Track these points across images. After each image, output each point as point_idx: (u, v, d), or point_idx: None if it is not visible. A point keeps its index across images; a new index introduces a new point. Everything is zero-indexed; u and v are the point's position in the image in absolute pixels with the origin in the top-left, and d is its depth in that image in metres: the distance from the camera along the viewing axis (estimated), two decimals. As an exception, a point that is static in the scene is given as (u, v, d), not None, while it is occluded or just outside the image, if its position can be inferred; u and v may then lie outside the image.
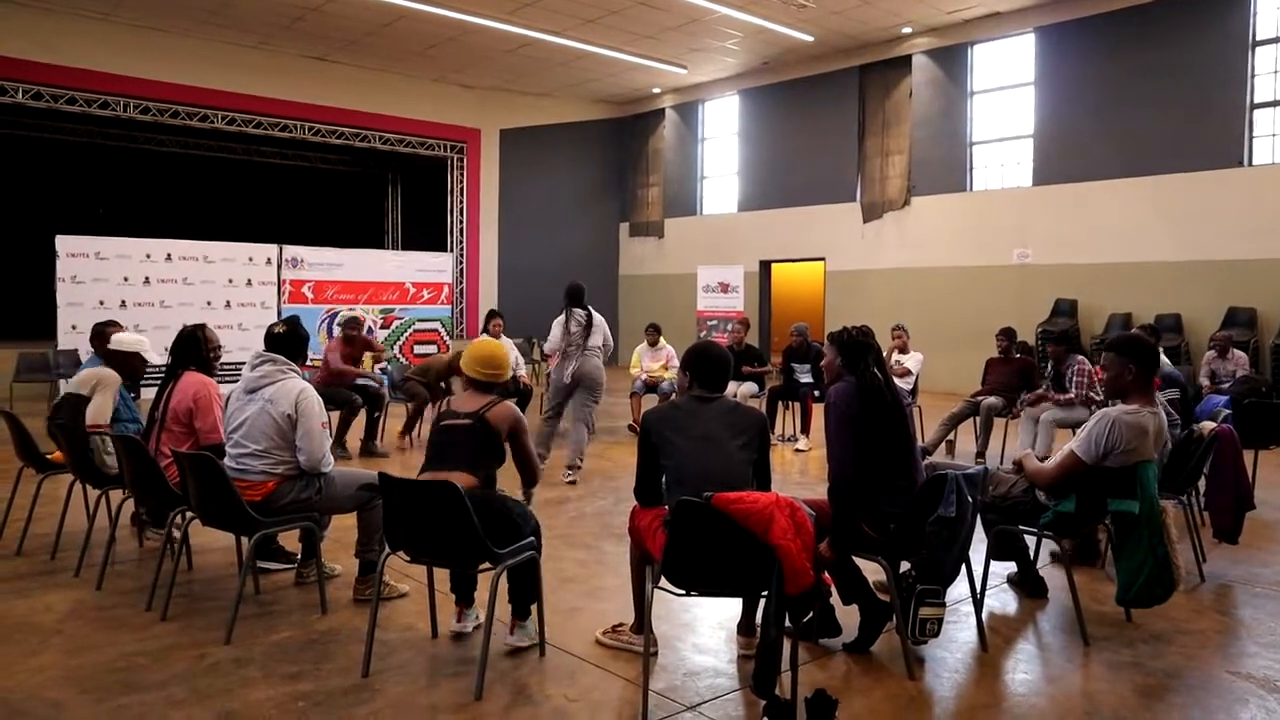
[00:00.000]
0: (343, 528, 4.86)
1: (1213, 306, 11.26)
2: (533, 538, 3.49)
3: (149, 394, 5.11)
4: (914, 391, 8.89)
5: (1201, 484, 5.10)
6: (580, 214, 18.88)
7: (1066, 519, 3.80)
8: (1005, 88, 13.77)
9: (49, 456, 5.05)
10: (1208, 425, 4.85)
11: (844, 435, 3.43)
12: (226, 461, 3.95)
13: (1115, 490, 3.68)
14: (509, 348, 9.25)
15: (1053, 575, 4.51)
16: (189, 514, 4.04)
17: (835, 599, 3.68)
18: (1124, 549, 3.72)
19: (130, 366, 5.09)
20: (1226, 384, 8.62)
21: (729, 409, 3.37)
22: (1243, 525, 4.96)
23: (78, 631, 3.76)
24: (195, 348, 4.54)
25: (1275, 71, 11.30)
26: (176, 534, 4.28)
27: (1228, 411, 5.52)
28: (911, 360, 8.79)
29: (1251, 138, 11.43)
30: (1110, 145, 12.42)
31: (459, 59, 15.54)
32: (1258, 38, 11.36)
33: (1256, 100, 11.40)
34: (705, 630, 3.87)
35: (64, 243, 12.09)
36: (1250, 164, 11.40)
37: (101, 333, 5.23)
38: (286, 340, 4.09)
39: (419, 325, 13.59)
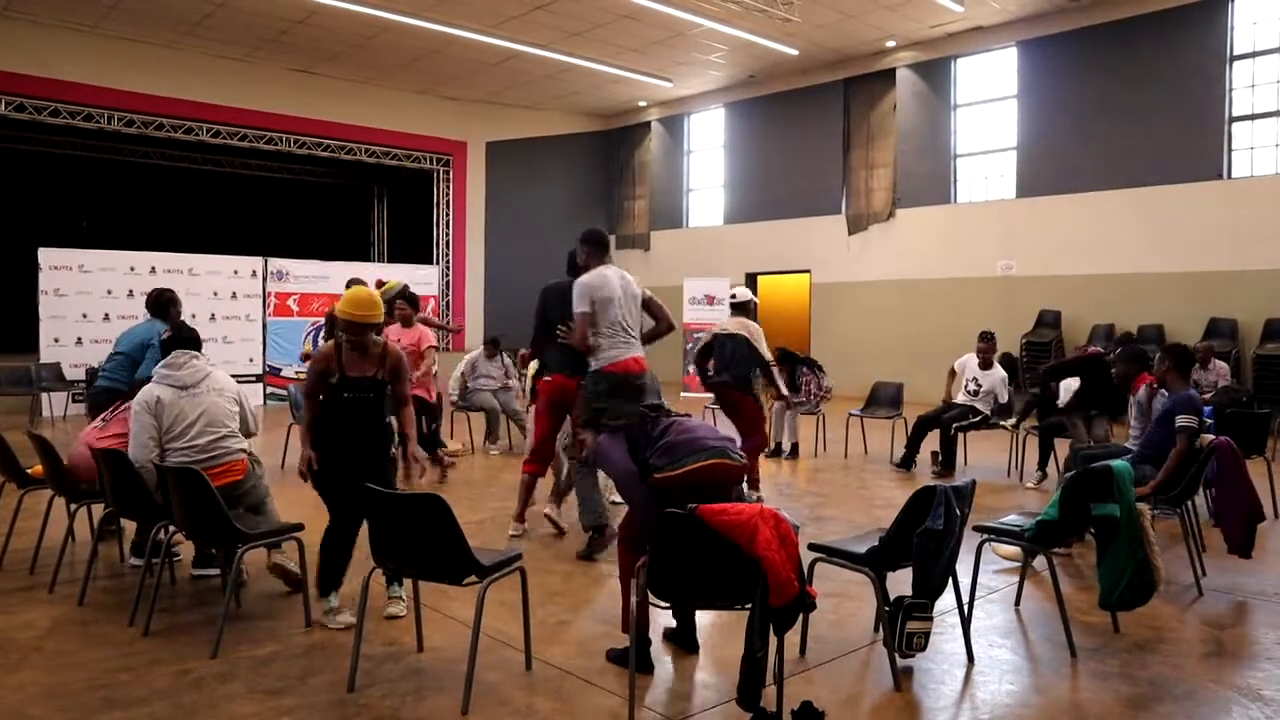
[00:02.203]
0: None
1: (1194, 317, 11.36)
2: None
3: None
4: (996, 411, 8.01)
5: (1200, 495, 5.06)
6: (567, 226, 18.70)
7: (1050, 527, 3.83)
8: (988, 101, 13.90)
9: (29, 471, 4.99)
10: (1206, 437, 4.85)
11: None
12: (196, 455, 4.09)
13: (1096, 494, 3.77)
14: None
15: (1041, 586, 4.53)
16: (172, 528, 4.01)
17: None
18: (1106, 554, 3.81)
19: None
20: (1208, 394, 8.68)
21: None
22: (1255, 538, 4.81)
23: (59, 647, 3.72)
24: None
25: (1253, 85, 11.46)
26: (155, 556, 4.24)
27: (1211, 421, 5.55)
28: (989, 379, 8.00)
29: (1230, 151, 11.56)
30: (1092, 158, 12.54)
31: (444, 72, 15.56)
32: (1235, 52, 11.51)
33: (1235, 114, 11.55)
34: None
35: (47, 255, 12.03)
36: (1229, 176, 11.54)
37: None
38: (197, 340, 4.50)
39: (405, 338, 13.50)
